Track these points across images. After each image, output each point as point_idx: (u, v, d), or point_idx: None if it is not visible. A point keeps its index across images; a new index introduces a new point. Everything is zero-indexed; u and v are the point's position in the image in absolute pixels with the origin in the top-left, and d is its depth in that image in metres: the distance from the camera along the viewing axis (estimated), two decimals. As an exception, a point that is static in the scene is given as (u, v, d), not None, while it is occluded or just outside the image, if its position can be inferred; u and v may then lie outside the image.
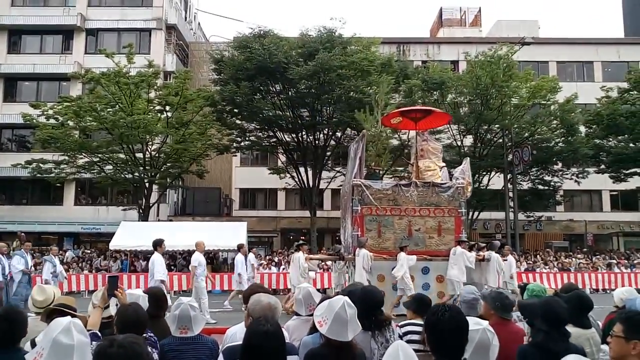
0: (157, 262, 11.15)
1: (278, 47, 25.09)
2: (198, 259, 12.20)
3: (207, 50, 33.31)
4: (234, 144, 29.51)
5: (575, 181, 30.64)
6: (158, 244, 11.33)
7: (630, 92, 29.70)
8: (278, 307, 3.42)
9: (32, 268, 13.76)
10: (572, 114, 28.09)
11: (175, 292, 18.34)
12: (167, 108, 26.44)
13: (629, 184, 31.38)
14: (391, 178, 18.70)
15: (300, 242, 14.72)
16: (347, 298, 3.10)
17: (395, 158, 23.95)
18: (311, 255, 14.32)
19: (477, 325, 2.79)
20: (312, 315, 3.49)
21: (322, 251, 26.04)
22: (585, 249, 30.31)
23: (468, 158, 14.46)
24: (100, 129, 25.59)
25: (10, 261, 12.42)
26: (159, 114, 26.56)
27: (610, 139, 29.98)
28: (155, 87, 26.76)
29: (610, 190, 35.71)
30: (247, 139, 29.20)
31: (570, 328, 3.66)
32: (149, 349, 3.14)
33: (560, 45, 37.81)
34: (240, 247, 15.29)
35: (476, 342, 2.71)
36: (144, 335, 3.44)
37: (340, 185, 31.70)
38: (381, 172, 15.82)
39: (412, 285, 11.44)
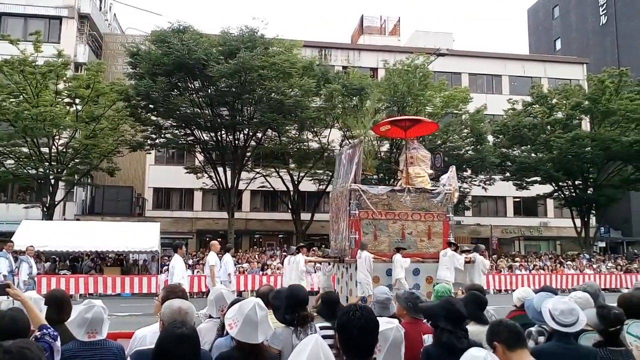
0: (178, 264, 11.40)
1: (198, 44, 24.54)
2: (215, 259, 12.32)
3: (122, 43, 31.97)
4: (149, 141, 28.46)
5: (483, 187, 32.41)
6: (178, 246, 11.80)
7: (533, 106, 31.90)
8: (190, 312, 3.30)
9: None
10: (482, 123, 29.70)
11: (72, 296, 17.30)
12: (77, 101, 25.14)
13: (530, 192, 33.64)
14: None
15: (300, 244, 15.00)
16: (258, 300, 3.05)
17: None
18: (309, 258, 14.30)
19: (389, 324, 2.90)
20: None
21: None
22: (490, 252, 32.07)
23: (454, 166, 15.05)
24: (1, 121, 23.84)
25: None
26: (67, 107, 25.21)
27: (515, 149, 31.99)
28: (65, 78, 25.32)
29: (514, 197, 38.10)
30: (162, 136, 28.24)
31: (470, 326, 3.81)
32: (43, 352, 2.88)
33: (473, 58, 39.91)
34: (229, 249, 14.65)
35: (391, 340, 2.81)
36: (36, 335, 3.14)
37: (261, 186, 31.72)
38: (372, 177, 16.25)
39: (408, 287, 11.68)
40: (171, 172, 33.86)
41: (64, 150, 25.46)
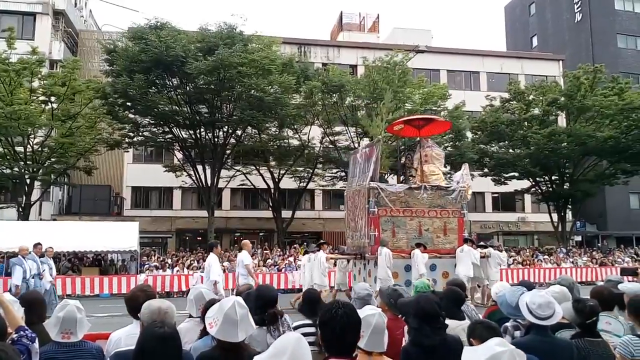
0: (215, 263, 11.64)
1: (176, 40, 24.28)
2: (249, 258, 12.52)
3: (98, 40, 31.46)
4: (126, 139, 28.11)
5: (462, 183, 32.67)
6: (214, 245, 12.28)
7: (511, 102, 32.29)
8: (170, 312, 3.27)
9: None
10: (460, 120, 29.95)
11: (60, 297, 17.01)
12: (53, 99, 24.70)
13: (508, 187, 34.07)
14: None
15: (321, 241, 15.13)
16: (238, 298, 3.04)
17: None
18: (331, 255, 14.41)
19: (372, 310, 2.99)
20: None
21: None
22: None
23: (467, 164, 15.56)
24: (-26, 120, 23.30)
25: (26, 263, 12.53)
26: (43, 105, 24.78)
27: (493, 145, 32.35)
28: (40, 75, 24.85)
29: (492, 193, 38.54)
30: (140, 134, 27.92)
31: (447, 321, 3.84)
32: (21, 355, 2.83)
33: (451, 55, 40.21)
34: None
35: (373, 325, 2.85)
36: (13, 337, 3.10)
37: (241, 184, 31.56)
38: (386, 175, 16.59)
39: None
40: (150, 171, 33.51)
41: (40, 149, 25.02)
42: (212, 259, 11.76)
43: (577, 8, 45.56)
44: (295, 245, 29.25)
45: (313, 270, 13.19)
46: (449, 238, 13.32)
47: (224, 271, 21.06)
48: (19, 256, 12.77)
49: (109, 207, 32.54)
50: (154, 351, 2.54)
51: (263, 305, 3.82)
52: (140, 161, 35.13)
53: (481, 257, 13.29)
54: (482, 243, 14.62)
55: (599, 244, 39.01)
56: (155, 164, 33.14)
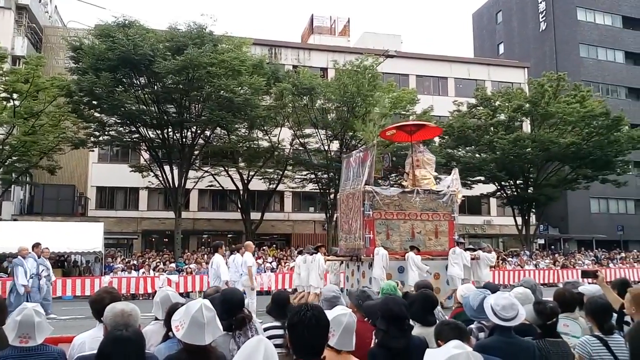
0: (222, 263, 11.89)
1: (144, 39, 23.90)
2: (252, 260, 12.70)
3: (64, 36, 30.74)
4: (92, 139, 27.51)
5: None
6: (219, 246, 12.67)
7: (478, 108, 32.91)
8: (134, 314, 3.21)
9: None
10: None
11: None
12: (15, 96, 23.98)
13: (475, 191, 34.68)
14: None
15: (319, 244, 15.34)
16: (205, 301, 3.00)
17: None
18: (327, 257, 14.51)
19: (343, 310, 3.03)
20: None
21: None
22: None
23: (456, 169, 16.01)
24: None
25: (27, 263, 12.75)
26: (4, 102, 24.03)
27: (460, 149, 32.89)
28: (1, 72, 24.12)
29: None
30: (106, 133, 27.34)
31: (417, 328, 3.88)
32: None
33: (420, 60, 40.75)
34: (238, 249, 14.07)
35: (344, 325, 2.90)
36: None
37: (210, 185, 31.23)
38: (379, 180, 16.84)
39: None
40: (115, 171, 32.90)
41: (1, 147, 24.30)
42: (219, 259, 11.95)
43: (542, 17, 46.78)
44: (264, 247, 29.12)
45: (310, 271, 13.29)
46: (440, 240, 13.79)
47: (190, 273, 20.92)
48: (19, 256, 12.96)
49: (72, 207, 31.74)
50: (114, 355, 2.49)
51: (229, 310, 3.70)
52: (105, 161, 34.45)
53: (471, 259, 13.66)
54: (470, 246, 15.00)
55: (561, 247, 40.08)
56: (121, 164, 32.55)
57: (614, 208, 44.03)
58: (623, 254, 33.14)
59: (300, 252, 15.09)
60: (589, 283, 5.98)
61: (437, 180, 16.20)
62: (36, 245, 13.47)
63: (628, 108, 39.05)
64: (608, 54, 46.10)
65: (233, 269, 12.49)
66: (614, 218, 42.25)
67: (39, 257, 13.47)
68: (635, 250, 35.86)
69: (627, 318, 4.22)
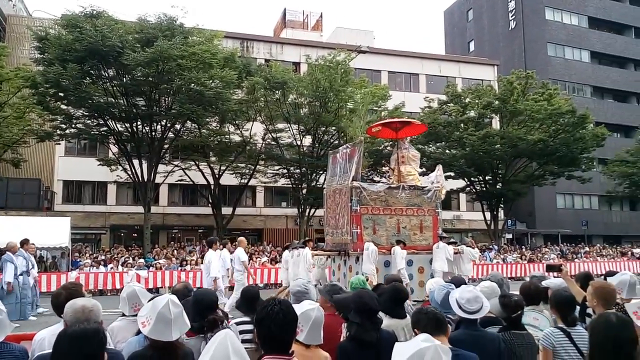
0: (214, 259, 11.80)
1: (112, 30, 23.39)
2: (245, 254, 12.84)
3: (29, 26, 29.84)
4: (58, 131, 26.79)
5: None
6: (213, 242, 12.59)
7: (448, 104, 33.28)
8: (95, 310, 3.14)
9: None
10: (400, 120, 30.51)
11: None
12: (-23, 87, 23.28)
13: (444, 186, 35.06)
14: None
15: (307, 238, 15.47)
16: (173, 296, 2.97)
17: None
18: (315, 252, 14.54)
19: (311, 305, 3.07)
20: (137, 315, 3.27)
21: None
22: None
23: (440, 165, 16.32)
24: None
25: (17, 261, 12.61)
26: (-35, 93, 23.30)
27: (431, 145, 33.23)
28: (-38, 61, 23.37)
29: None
30: (73, 126, 26.67)
31: (386, 320, 3.91)
32: None
33: (392, 57, 40.98)
34: (225, 244, 14.13)
35: (312, 320, 2.95)
36: None
37: (180, 180, 30.86)
38: (364, 176, 16.98)
39: (408, 278, 12.62)
40: (83, 164, 32.24)
41: (-38, 139, 23.58)
42: (212, 255, 11.92)
43: (512, 16, 47.55)
44: (235, 243, 28.90)
45: (298, 266, 13.35)
46: (425, 235, 14.06)
47: (160, 268, 20.65)
48: (8, 253, 12.76)
49: (38, 201, 30.97)
50: (67, 352, 2.38)
51: (201, 311, 3.62)
52: (72, 154, 33.72)
53: (455, 253, 13.93)
54: (453, 240, 15.28)
55: (529, 242, 40.97)
56: (89, 157, 31.91)
57: (579, 204, 45.23)
58: (587, 249, 34.08)
59: (286, 247, 15.14)
60: (554, 277, 6.12)
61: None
62: (25, 242, 13.22)
63: (593, 106, 40.09)
64: (575, 53, 47.18)
65: (220, 263, 12.41)
66: (579, 213, 43.40)
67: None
68: (598, 245, 36.96)
69: (589, 310, 4.34)
